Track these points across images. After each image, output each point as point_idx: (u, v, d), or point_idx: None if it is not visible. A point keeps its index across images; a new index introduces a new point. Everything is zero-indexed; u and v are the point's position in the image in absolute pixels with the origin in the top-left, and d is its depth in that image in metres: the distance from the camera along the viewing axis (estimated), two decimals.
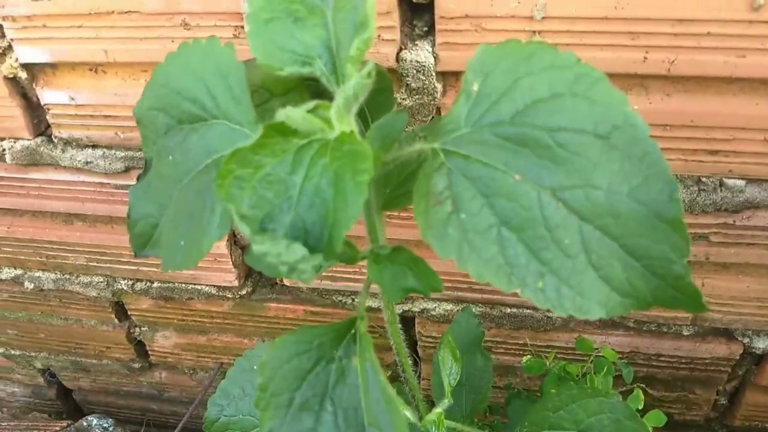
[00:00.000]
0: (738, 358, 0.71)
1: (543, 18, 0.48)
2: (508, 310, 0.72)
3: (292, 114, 0.31)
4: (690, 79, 0.51)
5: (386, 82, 0.42)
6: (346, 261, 0.38)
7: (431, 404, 0.55)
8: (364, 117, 0.41)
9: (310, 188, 0.31)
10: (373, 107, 0.41)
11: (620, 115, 0.30)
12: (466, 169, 0.32)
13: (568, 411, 0.50)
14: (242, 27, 0.52)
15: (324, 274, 0.71)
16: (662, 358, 0.73)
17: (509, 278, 0.31)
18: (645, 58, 0.49)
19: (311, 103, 0.32)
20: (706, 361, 0.72)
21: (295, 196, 0.31)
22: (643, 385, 0.77)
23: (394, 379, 0.85)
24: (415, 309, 0.74)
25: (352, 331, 0.40)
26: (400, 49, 0.52)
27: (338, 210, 0.30)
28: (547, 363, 0.61)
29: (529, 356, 0.63)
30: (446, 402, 0.49)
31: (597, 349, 0.61)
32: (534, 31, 0.49)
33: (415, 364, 0.81)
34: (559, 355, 0.75)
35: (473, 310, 0.73)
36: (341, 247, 0.30)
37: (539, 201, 0.31)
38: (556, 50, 0.31)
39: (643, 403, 0.62)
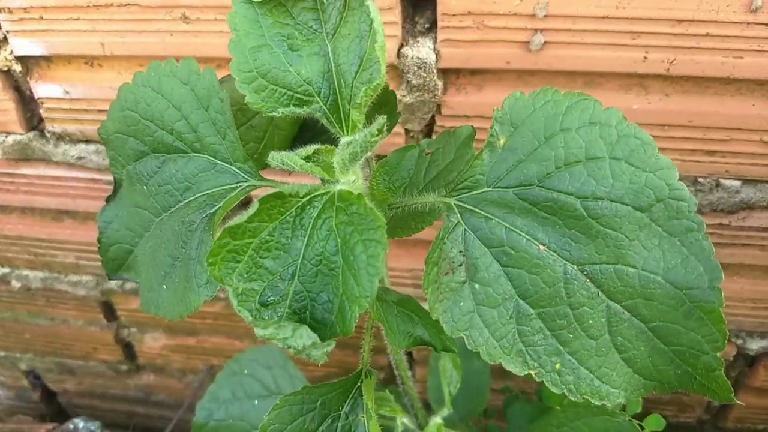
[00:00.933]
0: (731, 359, 0.72)
1: (545, 16, 0.48)
2: None
3: (288, 160, 0.28)
4: (689, 79, 0.51)
5: (387, 95, 0.38)
6: None
7: (427, 407, 0.55)
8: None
9: (313, 255, 0.28)
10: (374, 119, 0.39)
11: (665, 187, 0.27)
12: (484, 233, 0.29)
13: (573, 428, 0.48)
14: None
15: None
16: None
17: (524, 358, 0.28)
18: (645, 57, 0.49)
19: (310, 149, 0.29)
20: None
21: (297, 264, 0.28)
22: None
23: (389, 381, 0.84)
24: None
25: (358, 383, 0.37)
26: (402, 45, 0.52)
27: (348, 284, 0.27)
28: None
29: None
30: (446, 411, 0.49)
31: None
32: (536, 29, 0.49)
33: (410, 365, 0.81)
34: None
35: None
36: (354, 324, 0.27)
37: (564, 275, 0.28)
38: (599, 105, 0.28)
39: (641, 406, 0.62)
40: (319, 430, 0.34)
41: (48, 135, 0.66)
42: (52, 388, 1.03)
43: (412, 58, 0.52)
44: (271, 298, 0.28)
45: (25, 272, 0.81)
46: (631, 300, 0.28)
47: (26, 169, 0.69)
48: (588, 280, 0.28)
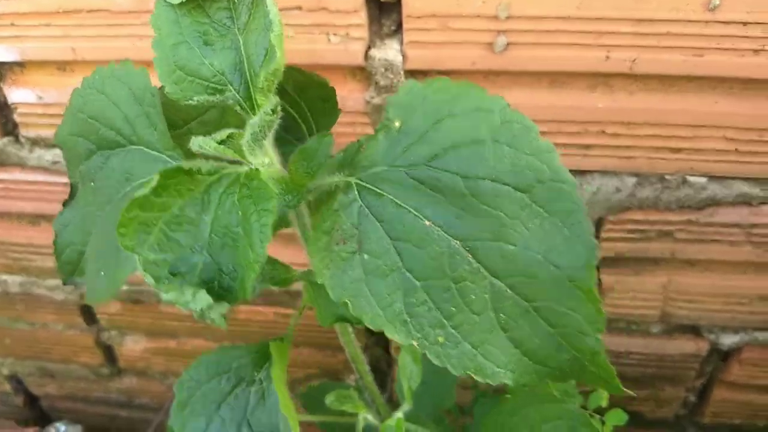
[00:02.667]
0: (705, 354, 0.72)
1: (507, 17, 0.49)
2: None
3: (205, 144, 0.30)
4: (652, 77, 0.52)
5: (328, 91, 0.41)
6: (279, 284, 0.37)
7: (396, 404, 0.55)
8: (307, 128, 0.40)
9: (220, 228, 0.29)
10: (317, 114, 0.40)
11: (546, 170, 0.28)
12: (377, 208, 0.30)
13: (524, 416, 0.49)
14: None
15: None
16: (632, 356, 0.74)
17: (408, 328, 0.29)
18: (607, 57, 0.50)
19: (224, 132, 0.31)
20: (675, 358, 0.73)
21: (206, 237, 0.29)
22: None
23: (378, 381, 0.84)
24: None
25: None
26: (369, 48, 0.53)
27: (246, 252, 0.29)
28: None
29: None
30: (406, 406, 0.49)
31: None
32: (499, 31, 0.50)
33: (389, 365, 0.81)
34: None
35: None
36: (251, 291, 0.28)
37: (448, 249, 0.29)
38: (485, 92, 0.29)
39: (607, 400, 0.62)
40: (233, 393, 0.36)
41: (23, 140, 0.67)
42: (33, 392, 1.03)
43: (380, 60, 0.53)
44: (182, 269, 0.29)
45: (4, 277, 0.81)
46: (513, 278, 0.28)
47: (2, 174, 0.69)
48: (470, 255, 0.29)
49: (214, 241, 0.29)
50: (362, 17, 0.50)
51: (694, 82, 0.52)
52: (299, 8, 0.51)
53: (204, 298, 0.27)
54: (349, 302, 0.30)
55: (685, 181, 0.58)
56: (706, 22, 0.48)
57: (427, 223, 0.29)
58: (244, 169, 0.31)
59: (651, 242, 0.62)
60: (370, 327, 0.29)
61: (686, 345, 0.71)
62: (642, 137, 0.55)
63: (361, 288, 0.29)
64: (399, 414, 0.45)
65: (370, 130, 0.58)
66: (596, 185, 0.59)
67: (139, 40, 0.55)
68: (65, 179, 0.68)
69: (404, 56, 0.52)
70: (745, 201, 0.59)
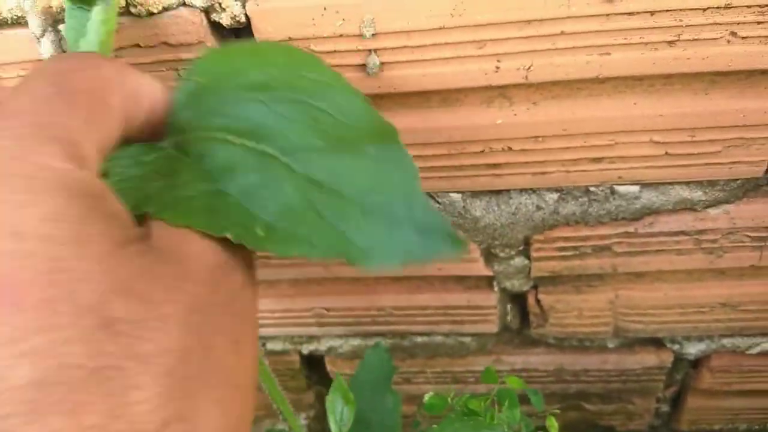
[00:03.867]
0: (670, 365, 0.66)
1: (374, 35, 0.42)
2: (419, 339, 0.66)
3: None
4: (555, 83, 0.45)
5: None
6: None
7: None
8: None
9: None
10: None
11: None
12: None
13: None
14: None
15: None
16: (590, 373, 0.68)
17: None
18: (497, 67, 0.43)
19: None
20: (638, 371, 0.67)
21: None
22: (578, 401, 0.72)
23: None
24: (322, 348, 0.69)
25: None
26: None
27: None
28: (449, 399, 0.55)
29: (431, 393, 0.57)
30: None
31: (503, 380, 0.55)
32: (369, 50, 0.43)
33: None
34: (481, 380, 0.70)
35: (383, 343, 0.67)
36: None
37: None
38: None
39: (556, 429, 0.56)
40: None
41: None
42: None
43: None
44: None
45: None
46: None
47: None
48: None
49: None
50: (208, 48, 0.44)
51: (606, 83, 0.45)
52: (138, 46, 0.44)
53: None
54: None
55: (613, 192, 0.51)
56: (607, 15, 0.41)
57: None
58: None
59: (587, 258, 0.55)
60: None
61: (648, 358, 0.65)
62: (554, 150, 0.48)
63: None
64: None
65: None
66: (514, 204, 0.52)
67: None
68: None
69: None
70: (688, 206, 0.51)
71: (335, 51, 0.43)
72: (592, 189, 0.51)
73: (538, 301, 0.60)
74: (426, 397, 0.57)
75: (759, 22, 0.40)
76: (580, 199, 0.51)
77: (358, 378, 0.56)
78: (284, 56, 0.32)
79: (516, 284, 0.59)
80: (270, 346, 0.69)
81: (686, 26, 0.41)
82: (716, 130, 0.46)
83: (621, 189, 0.50)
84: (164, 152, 0.31)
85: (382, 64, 0.43)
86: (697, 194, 0.51)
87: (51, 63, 0.27)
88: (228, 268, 0.26)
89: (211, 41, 0.44)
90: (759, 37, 0.41)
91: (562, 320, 0.61)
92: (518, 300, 0.62)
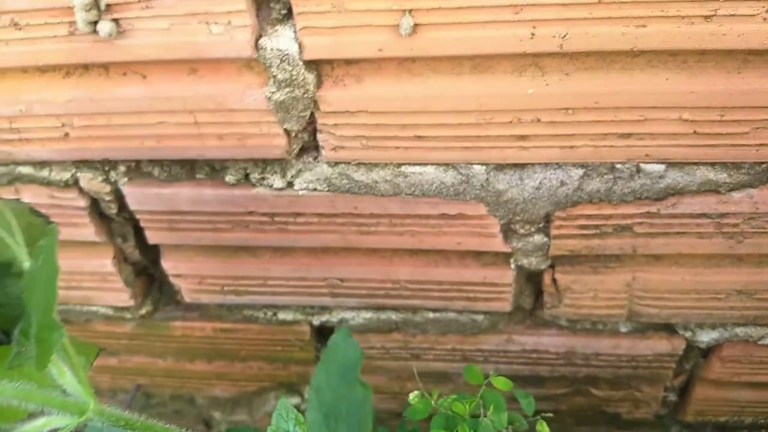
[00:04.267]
0: (681, 353, 0.66)
1: None
2: (431, 315, 0.66)
3: None
4: (589, 54, 0.44)
5: None
6: None
7: None
8: None
9: None
10: None
11: None
12: None
13: None
14: (76, 23, 0.45)
15: (228, 288, 0.65)
16: (601, 358, 0.67)
17: None
18: (533, 34, 0.43)
19: None
20: (648, 357, 0.67)
21: None
22: (587, 386, 0.72)
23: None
24: (334, 319, 0.68)
25: None
26: (260, 36, 0.45)
27: None
28: (433, 402, 0.54)
29: (415, 393, 0.55)
30: None
31: (488, 380, 0.53)
32: (404, 10, 0.43)
33: None
34: (491, 359, 0.70)
35: (392, 317, 0.67)
36: None
37: None
38: None
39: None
40: None
41: None
42: None
43: (272, 50, 0.46)
44: None
45: None
46: None
47: None
48: None
49: None
50: (244, 1, 0.43)
51: (640, 57, 0.44)
52: None
53: None
54: None
55: (639, 170, 0.50)
56: None
57: None
58: None
59: (608, 238, 0.55)
60: None
61: (660, 344, 0.65)
62: (584, 124, 0.47)
63: None
64: None
65: (279, 131, 0.51)
66: (538, 179, 0.52)
67: (5, 45, 0.49)
68: None
69: (300, 45, 0.45)
70: (712, 188, 0.51)
71: (369, 9, 0.43)
72: (618, 166, 0.50)
73: (554, 281, 0.60)
74: (411, 397, 0.55)
75: None
76: (605, 176, 0.51)
77: (326, 366, 0.52)
78: None
79: (534, 262, 0.58)
80: (281, 315, 0.68)
81: (724, 0, 0.40)
82: (746, 110, 0.46)
83: (647, 167, 0.50)
84: None
85: (416, 25, 0.43)
86: (722, 176, 0.50)
87: None
88: None
89: None
90: None
91: (576, 301, 0.61)
92: (534, 279, 0.62)
